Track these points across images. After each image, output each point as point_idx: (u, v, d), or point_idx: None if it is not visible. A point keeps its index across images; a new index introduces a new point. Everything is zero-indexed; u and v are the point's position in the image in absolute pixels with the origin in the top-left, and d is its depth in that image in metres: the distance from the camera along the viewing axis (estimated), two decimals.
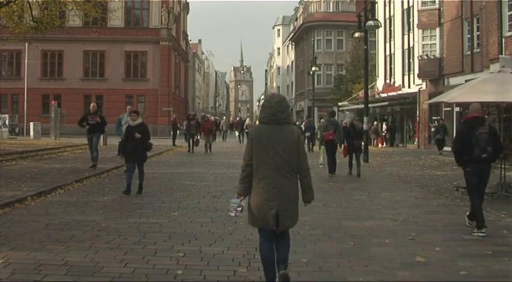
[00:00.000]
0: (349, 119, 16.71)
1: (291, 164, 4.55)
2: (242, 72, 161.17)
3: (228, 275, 5.07)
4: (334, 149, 14.67)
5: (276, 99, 4.67)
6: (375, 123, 32.81)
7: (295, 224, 4.74)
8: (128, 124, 10.59)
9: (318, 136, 17.25)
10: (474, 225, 7.08)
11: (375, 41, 37.11)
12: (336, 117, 17.43)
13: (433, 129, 26.48)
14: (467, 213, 7.58)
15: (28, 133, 35.07)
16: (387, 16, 34.88)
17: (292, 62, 69.55)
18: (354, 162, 14.64)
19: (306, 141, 28.02)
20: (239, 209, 4.65)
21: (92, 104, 15.59)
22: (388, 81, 35.20)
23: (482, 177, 7.25)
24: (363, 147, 16.45)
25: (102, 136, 18.36)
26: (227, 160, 19.56)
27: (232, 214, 4.70)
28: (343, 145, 14.93)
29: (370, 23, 20.26)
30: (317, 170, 15.47)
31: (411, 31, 30.88)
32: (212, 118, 49.39)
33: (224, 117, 56.42)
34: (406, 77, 32.23)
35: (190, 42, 70.40)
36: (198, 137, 24.13)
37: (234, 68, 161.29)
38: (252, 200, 4.57)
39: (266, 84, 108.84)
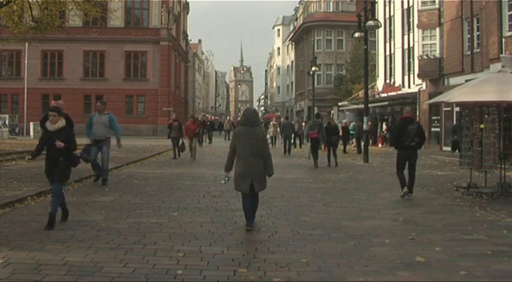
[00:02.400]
0: (332, 120, 20.48)
1: (258, 150, 7.09)
2: (242, 72, 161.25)
3: (228, 275, 5.06)
4: (317, 145, 17.42)
5: (251, 110, 7.61)
6: (369, 123, 32.63)
7: (265, 189, 7.28)
8: (46, 128, 7.40)
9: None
10: (406, 191, 10.21)
11: (375, 41, 37.06)
12: (320, 118, 18.63)
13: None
14: (405, 188, 10.34)
15: (28, 133, 35.16)
16: (387, 16, 34.84)
17: (292, 62, 69.55)
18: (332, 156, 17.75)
19: None
20: (227, 178, 7.26)
21: (58, 102, 12.89)
22: (388, 81, 35.16)
23: (411, 158, 10.34)
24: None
25: None
26: None
27: (222, 181, 7.33)
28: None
29: (370, 23, 20.21)
30: (309, 164, 17.63)
31: (411, 31, 30.85)
32: (211, 118, 49.33)
33: (228, 118, 56.52)
34: (406, 77, 32.20)
35: (190, 42, 70.39)
36: (183, 140, 20.61)
37: (234, 68, 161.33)
38: (236, 173, 7.12)
39: (266, 84, 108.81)
